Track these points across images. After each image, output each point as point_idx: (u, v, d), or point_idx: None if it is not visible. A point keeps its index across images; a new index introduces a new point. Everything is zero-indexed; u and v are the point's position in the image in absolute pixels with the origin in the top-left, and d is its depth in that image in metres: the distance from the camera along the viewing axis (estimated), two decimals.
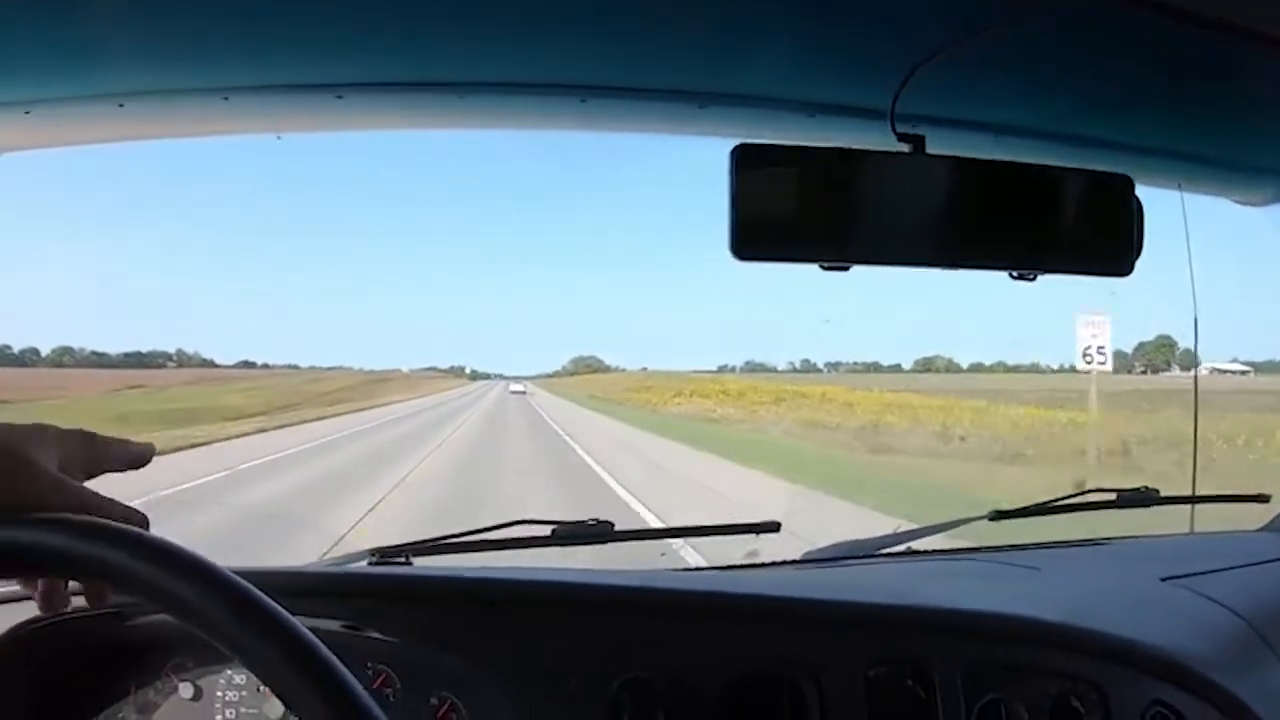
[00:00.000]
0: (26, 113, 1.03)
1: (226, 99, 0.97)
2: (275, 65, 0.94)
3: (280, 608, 0.36)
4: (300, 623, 0.36)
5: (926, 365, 39.23)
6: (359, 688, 0.35)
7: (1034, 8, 0.72)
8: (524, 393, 35.81)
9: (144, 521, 0.43)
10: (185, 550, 0.38)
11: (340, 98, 0.96)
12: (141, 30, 0.88)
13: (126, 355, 39.00)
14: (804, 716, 0.79)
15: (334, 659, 0.35)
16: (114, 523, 0.40)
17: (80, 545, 0.37)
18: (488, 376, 62.91)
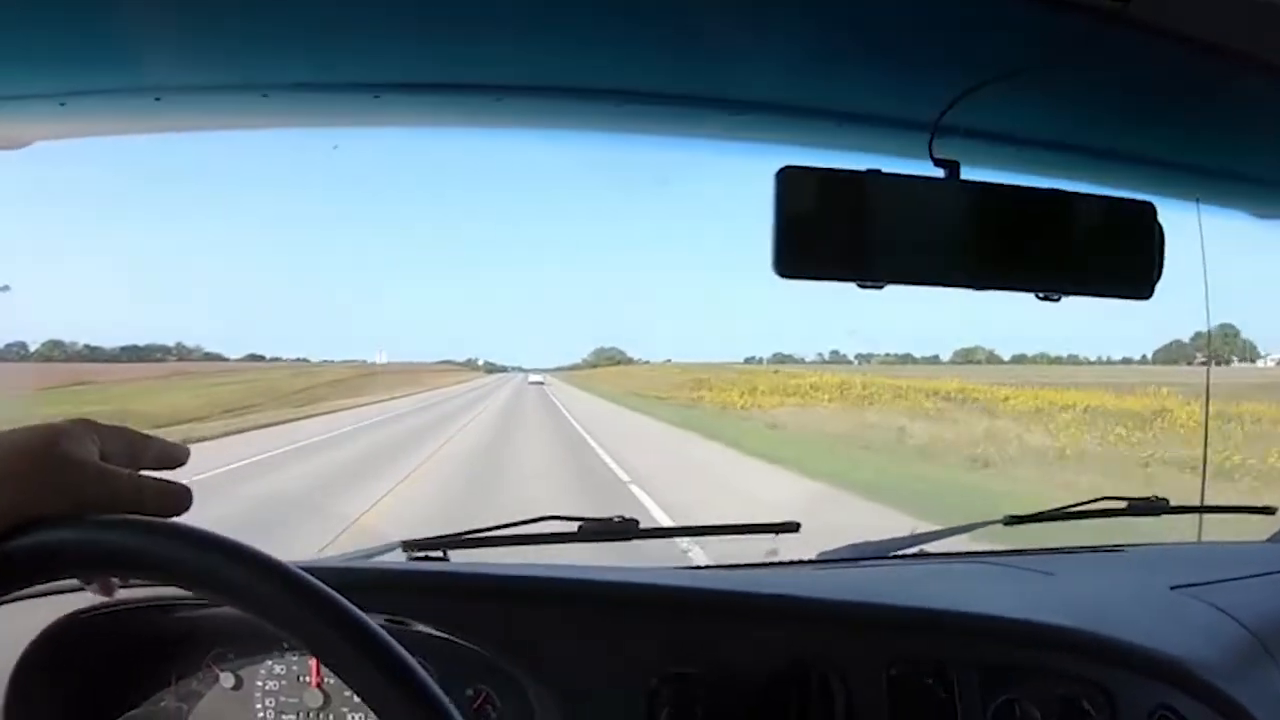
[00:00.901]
0: (62, 104, 1.03)
1: (265, 96, 0.98)
2: (314, 64, 0.95)
3: (363, 614, 0.38)
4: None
5: (966, 357, 36.84)
6: (444, 698, 0.37)
7: (1075, 47, 0.74)
8: (542, 383, 34.31)
9: (189, 497, 0.44)
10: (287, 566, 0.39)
11: (377, 97, 0.97)
12: (179, 25, 0.89)
13: (123, 349, 38.38)
14: (831, 712, 0.81)
15: (426, 677, 0.37)
16: (229, 540, 0.40)
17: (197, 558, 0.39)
18: (504, 369, 58.56)
